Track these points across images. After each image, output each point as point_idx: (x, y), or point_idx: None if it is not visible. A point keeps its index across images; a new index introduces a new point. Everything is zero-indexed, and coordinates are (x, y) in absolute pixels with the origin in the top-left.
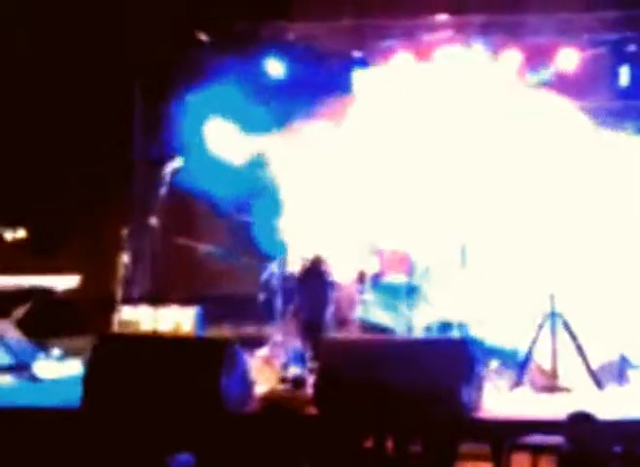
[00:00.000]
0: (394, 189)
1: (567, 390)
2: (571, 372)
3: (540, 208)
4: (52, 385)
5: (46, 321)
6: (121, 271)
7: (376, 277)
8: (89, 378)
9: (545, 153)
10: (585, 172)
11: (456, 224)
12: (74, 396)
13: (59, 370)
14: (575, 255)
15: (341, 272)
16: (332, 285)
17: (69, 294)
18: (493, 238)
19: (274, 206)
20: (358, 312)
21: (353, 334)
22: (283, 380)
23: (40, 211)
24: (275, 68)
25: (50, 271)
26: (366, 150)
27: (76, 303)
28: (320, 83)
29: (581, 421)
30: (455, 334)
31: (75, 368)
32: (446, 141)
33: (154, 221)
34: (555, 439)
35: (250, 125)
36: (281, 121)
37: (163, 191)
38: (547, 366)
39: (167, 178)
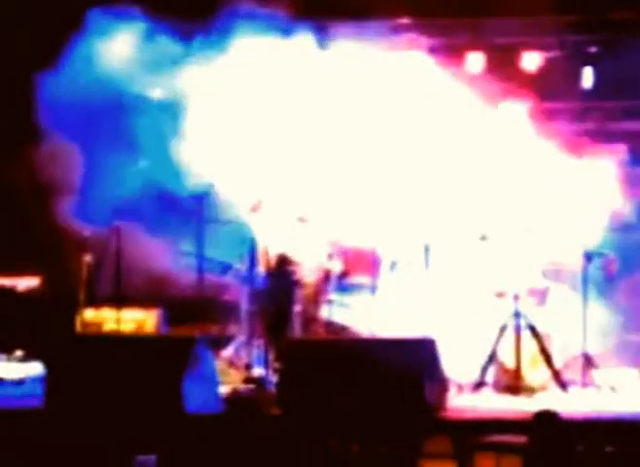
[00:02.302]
0: (358, 185)
1: (531, 390)
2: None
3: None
4: (13, 386)
5: (7, 322)
6: (84, 272)
7: (341, 277)
8: (51, 379)
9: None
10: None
11: (419, 222)
12: (36, 397)
13: (22, 370)
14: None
15: (307, 272)
16: (297, 285)
17: (31, 294)
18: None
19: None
20: (323, 312)
21: (318, 334)
22: (247, 381)
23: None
24: None
25: (11, 272)
26: (330, 145)
27: (38, 303)
28: None
29: (545, 421)
30: None
31: (37, 369)
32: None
33: (116, 222)
34: (519, 438)
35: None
36: None
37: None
38: (510, 366)
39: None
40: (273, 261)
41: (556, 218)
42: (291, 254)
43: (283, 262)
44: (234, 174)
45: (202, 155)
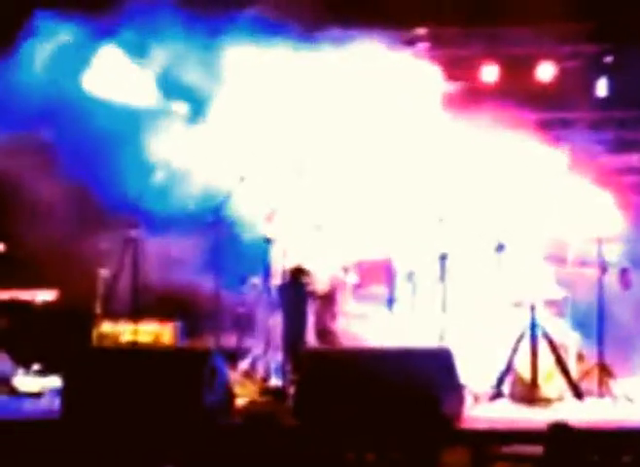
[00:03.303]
0: (373, 195)
1: (547, 401)
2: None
3: None
4: (31, 399)
5: (25, 336)
6: (100, 285)
7: (357, 288)
8: (68, 392)
9: None
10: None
11: (435, 232)
12: (54, 410)
13: (39, 384)
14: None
15: (322, 283)
16: (312, 296)
17: (48, 308)
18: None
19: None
20: (339, 323)
21: (334, 345)
22: (264, 393)
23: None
24: None
25: (28, 286)
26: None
27: (55, 317)
28: None
29: (559, 431)
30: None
31: (54, 382)
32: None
33: (134, 233)
34: (535, 449)
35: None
36: None
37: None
38: (527, 376)
39: None
40: (288, 272)
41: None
42: (306, 265)
43: (298, 273)
44: (249, 184)
45: (216, 165)
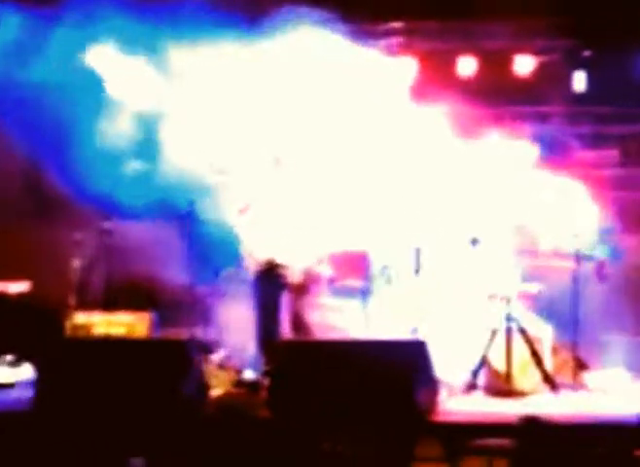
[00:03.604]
0: (348, 187)
1: (522, 393)
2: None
3: None
4: (4, 390)
5: None
6: (73, 276)
7: (331, 281)
8: (41, 383)
9: None
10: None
11: (410, 225)
12: (27, 400)
13: (12, 374)
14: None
15: (297, 275)
16: (286, 288)
17: (21, 298)
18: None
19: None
20: (314, 316)
21: (308, 337)
22: (238, 384)
23: None
24: None
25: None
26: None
27: (28, 307)
28: None
29: (532, 424)
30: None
31: (27, 373)
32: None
33: (107, 225)
34: (510, 442)
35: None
36: None
37: None
38: (501, 369)
39: None
40: (262, 264)
41: (546, 220)
42: (279, 257)
43: (272, 265)
44: (225, 177)
45: (193, 154)
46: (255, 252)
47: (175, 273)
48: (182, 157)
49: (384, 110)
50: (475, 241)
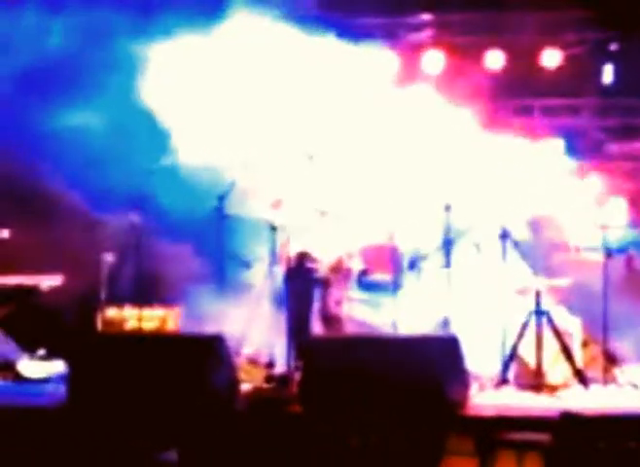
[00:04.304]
0: (379, 181)
1: (552, 387)
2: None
3: None
4: (36, 385)
5: (30, 321)
6: (104, 271)
7: (362, 274)
8: (73, 377)
9: None
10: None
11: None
12: (59, 395)
13: (44, 369)
14: None
15: (327, 269)
16: (317, 282)
17: (53, 293)
18: None
19: None
20: (344, 310)
21: (339, 331)
22: (269, 379)
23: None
24: None
25: (33, 271)
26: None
27: (60, 302)
28: None
29: (569, 420)
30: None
31: (59, 367)
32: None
33: (135, 218)
34: (541, 436)
35: None
36: None
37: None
38: (532, 363)
39: None
40: (294, 258)
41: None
42: (311, 251)
43: (303, 259)
44: (255, 171)
45: (222, 149)
46: (287, 246)
47: (205, 268)
48: (210, 152)
49: (414, 107)
50: (505, 234)
